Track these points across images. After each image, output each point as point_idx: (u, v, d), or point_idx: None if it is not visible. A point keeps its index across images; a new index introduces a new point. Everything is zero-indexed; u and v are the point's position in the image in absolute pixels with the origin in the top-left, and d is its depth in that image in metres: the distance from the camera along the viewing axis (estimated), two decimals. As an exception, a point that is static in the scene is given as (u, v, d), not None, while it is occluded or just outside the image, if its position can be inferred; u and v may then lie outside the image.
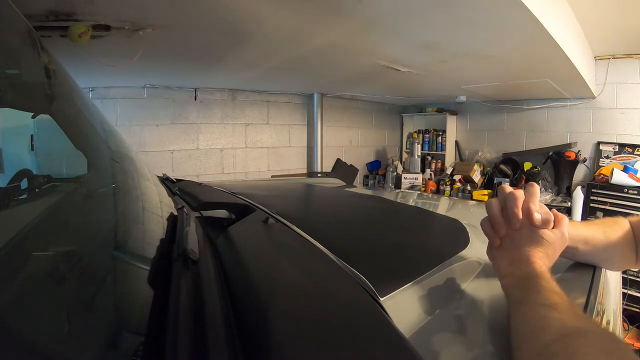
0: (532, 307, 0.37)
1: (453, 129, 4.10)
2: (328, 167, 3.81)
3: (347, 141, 4.21)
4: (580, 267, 0.59)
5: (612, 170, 2.75)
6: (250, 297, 0.39)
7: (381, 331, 0.34)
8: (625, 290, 2.52)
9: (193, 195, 0.88)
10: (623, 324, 2.10)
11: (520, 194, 0.47)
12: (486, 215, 0.50)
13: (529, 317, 0.36)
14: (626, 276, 2.53)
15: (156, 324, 0.31)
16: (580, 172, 3.16)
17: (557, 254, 0.46)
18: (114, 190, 0.54)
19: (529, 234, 0.45)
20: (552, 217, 0.46)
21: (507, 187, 0.48)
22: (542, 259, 0.44)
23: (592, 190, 2.83)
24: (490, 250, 0.49)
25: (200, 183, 1.26)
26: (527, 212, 0.45)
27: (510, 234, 0.47)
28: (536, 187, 0.47)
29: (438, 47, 1.93)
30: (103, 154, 0.59)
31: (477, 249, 0.63)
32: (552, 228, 0.46)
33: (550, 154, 3.21)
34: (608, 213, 2.67)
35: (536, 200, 0.46)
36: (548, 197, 3.09)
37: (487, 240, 0.50)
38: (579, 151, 3.08)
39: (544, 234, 0.45)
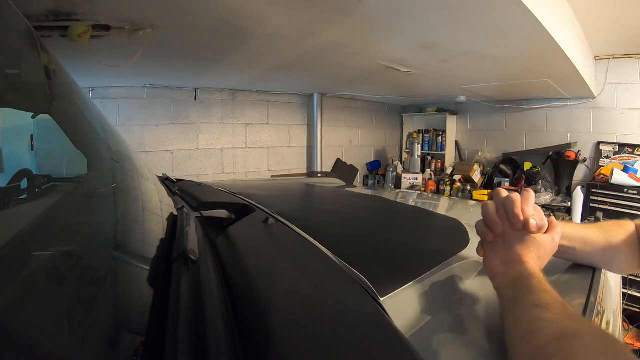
0: (525, 308, 0.37)
1: (453, 129, 4.10)
2: (328, 167, 3.81)
3: (347, 141, 4.21)
4: (580, 268, 0.59)
5: (612, 170, 2.75)
6: (250, 297, 0.39)
7: (381, 331, 0.34)
8: (625, 290, 2.52)
9: (193, 195, 0.88)
10: (623, 324, 2.10)
11: (517, 196, 0.48)
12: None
13: (522, 319, 0.36)
14: (626, 276, 2.53)
15: (156, 324, 0.31)
16: (580, 172, 3.16)
17: (548, 256, 0.47)
18: (114, 190, 0.54)
19: (522, 235, 0.46)
20: (546, 223, 0.47)
21: (503, 191, 0.49)
22: (534, 260, 0.44)
23: (592, 190, 2.83)
24: (481, 249, 0.50)
25: (200, 183, 1.26)
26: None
27: (503, 235, 0.48)
28: (532, 192, 0.49)
29: (438, 47, 1.93)
30: (103, 154, 0.59)
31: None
32: (545, 232, 0.47)
33: (550, 154, 3.21)
34: (608, 213, 2.67)
35: (531, 204, 0.47)
36: (548, 197, 3.08)
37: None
38: (579, 151, 3.08)
39: (536, 236, 0.46)
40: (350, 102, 4.10)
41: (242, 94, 3.38)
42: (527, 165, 3.42)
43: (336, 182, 1.86)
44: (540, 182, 3.16)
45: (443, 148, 4.12)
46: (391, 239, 0.73)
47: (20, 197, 0.38)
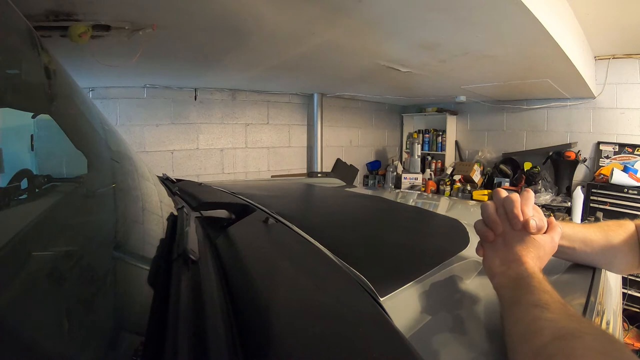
0: (525, 309, 0.37)
1: (453, 129, 4.10)
2: (328, 167, 3.81)
3: (347, 141, 4.21)
4: (580, 268, 0.59)
5: (612, 170, 2.75)
6: (250, 297, 0.39)
7: (381, 331, 0.34)
8: (625, 290, 2.52)
9: (193, 195, 0.88)
10: (623, 324, 2.10)
11: (517, 196, 0.48)
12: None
13: (521, 319, 0.36)
14: (626, 276, 2.53)
15: (156, 324, 0.31)
16: (580, 172, 3.16)
17: (548, 256, 0.47)
18: (113, 191, 0.54)
19: (521, 235, 0.46)
20: (546, 223, 0.47)
21: (503, 191, 0.49)
22: (534, 260, 0.44)
23: (592, 190, 2.83)
24: (481, 249, 0.50)
25: (200, 183, 1.26)
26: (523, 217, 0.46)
27: (502, 235, 0.48)
28: (531, 193, 0.49)
29: (438, 47, 1.93)
30: (103, 154, 0.59)
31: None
32: (544, 233, 0.47)
33: (550, 154, 3.21)
34: (608, 213, 2.67)
35: (531, 205, 0.47)
36: (548, 197, 3.08)
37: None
38: (579, 151, 3.08)
39: (536, 236, 0.46)
40: (350, 102, 4.10)
41: (242, 94, 3.38)
42: (527, 165, 3.42)
43: (336, 182, 1.86)
44: (540, 182, 3.16)
45: (443, 148, 4.12)
46: (391, 239, 0.73)
47: (20, 197, 0.38)
